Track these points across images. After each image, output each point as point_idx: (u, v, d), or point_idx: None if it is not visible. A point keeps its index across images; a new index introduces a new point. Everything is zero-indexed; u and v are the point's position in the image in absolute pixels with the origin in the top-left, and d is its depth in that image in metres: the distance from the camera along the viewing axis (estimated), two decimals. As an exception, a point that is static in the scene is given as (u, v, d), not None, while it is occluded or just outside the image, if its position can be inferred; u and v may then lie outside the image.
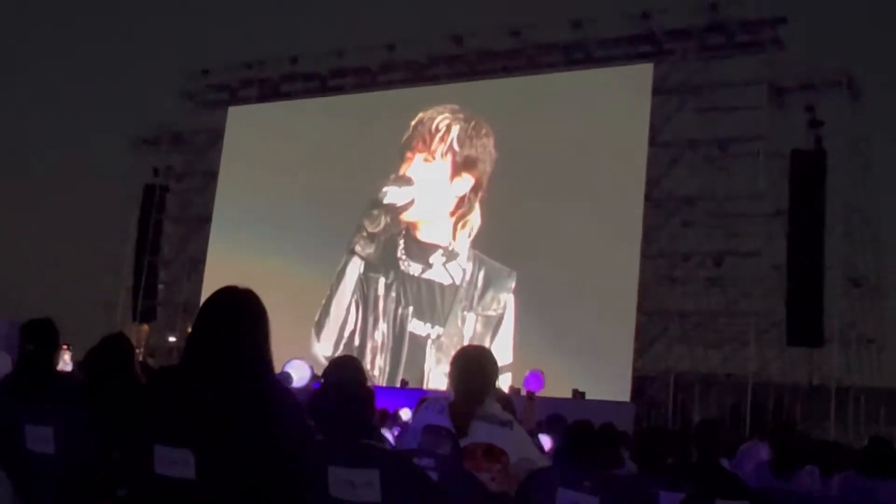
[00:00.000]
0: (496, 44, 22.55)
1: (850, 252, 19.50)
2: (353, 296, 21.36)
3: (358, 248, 21.47)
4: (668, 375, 20.08)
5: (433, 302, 20.38)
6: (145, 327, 26.71)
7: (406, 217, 21.03)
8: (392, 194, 21.04)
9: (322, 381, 3.37)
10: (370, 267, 21.34)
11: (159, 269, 27.67)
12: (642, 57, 20.85)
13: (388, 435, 6.37)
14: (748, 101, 20.08)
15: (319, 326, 21.40)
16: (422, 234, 20.89)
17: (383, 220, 21.25)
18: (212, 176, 26.02)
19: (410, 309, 20.64)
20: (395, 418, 8.27)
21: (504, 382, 13.98)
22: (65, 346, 9.46)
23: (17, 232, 36.77)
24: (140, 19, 52.99)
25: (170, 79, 27.82)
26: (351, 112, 22.95)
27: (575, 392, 16.31)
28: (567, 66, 21.68)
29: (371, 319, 21.11)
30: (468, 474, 3.19)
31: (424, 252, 20.73)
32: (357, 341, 21.00)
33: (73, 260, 33.30)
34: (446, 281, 20.39)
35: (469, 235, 20.37)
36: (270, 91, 25.85)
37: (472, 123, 20.78)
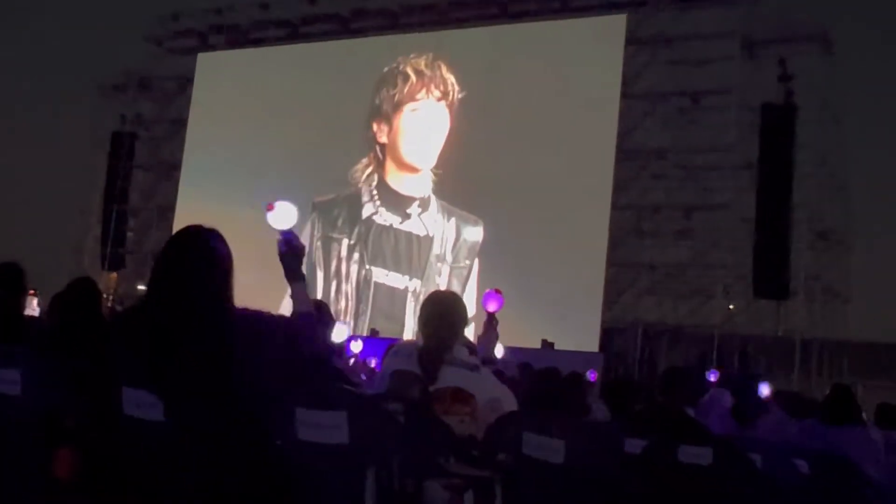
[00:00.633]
0: (470, -8, 22.35)
1: (817, 206, 19.66)
2: (314, 256, 21.19)
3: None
4: (637, 327, 20.25)
5: (410, 254, 20.37)
6: (114, 275, 26.54)
7: (416, 165, 20.81)
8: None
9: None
10: (332, 226, 21.32)
11: (128, 217, 27.44)
12: (616, 7, 20.73)
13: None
14: (720, 53, 20.06)
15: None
16: (405, 186, 20.80)
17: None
18: (181, 123, 25.71)
19: (383, 261, 20.64)
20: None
21: (469, 333, 14.02)
22: (32, 292, 9.39)
23: (-18, 178, 36.24)
24: (107, -38, 51.82)
25: (137, 24, 27.31)
26: (322, 60, 22.69)
27: (544, 342, 16.44)
28: (541, 16, 21.52)
29: (335, 280, 21.07)
30: (436, 419, 3.22)
31: (402, 203, 20.68)
32: (331, 296, 20.93)
33: (41, 208, 32.92)
34: (421, 232, 20.38)
35: (434, 176, 20.40)
36: (240, 38, 25.50)
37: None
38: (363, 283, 20.71)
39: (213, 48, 25.85)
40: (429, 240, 20.19)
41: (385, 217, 20.73)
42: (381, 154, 21.08)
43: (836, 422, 5.27)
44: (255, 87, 23.23)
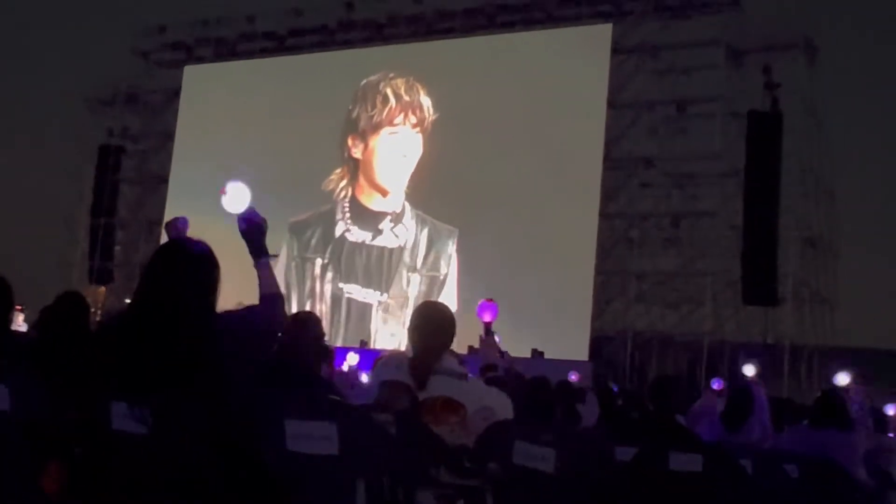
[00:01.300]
0: (455, 3, 22.39)
1: (804, 212, 19.76)
2: (289, 276, 21.34)
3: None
4: (626, 335, 20.29)
5: (381, 268, 20.47)
6: (101, 289, 26.44)
7: (385, 186, 21.00)
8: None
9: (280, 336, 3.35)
10: (306, 247, 21.43)
11: (116, 230, 27.35)
12: (601, 17, 20.82)
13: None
14: (706, 62, 20.17)
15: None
16: (376, 204, 20.93)
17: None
18: (168, 136, 25.71)
19: (356, 278, 20.72)
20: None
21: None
22: (18, 307, 9.34)
23: (-32, 193, 36.10)
24: (93, -25, 51.80)
25: (124, 37, 27.27)
26: (309, 72, 22.72)
27: (534, 351, 16.45)
28: (527, 26, 21.60)
29: (309, 299, 21.16)
30: (426, 429, 3.21)
31: (374, 219, 20.82)
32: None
33: (28, 222, 32.83)
34: (393, 244, 20.49)
35: (408, 188, 20.59)
36: (227, 50, 25.52)
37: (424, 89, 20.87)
38: (335, 301, 20.77)
39: (200, 61, 25.84)
40: (400, 250, 20.29)
41: (356, 234, 20.98)
42: (354, 169, 21.24)
43: (824, 426, 5.29)
44: (243, 100, 23.23)
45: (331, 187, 21.39)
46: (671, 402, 4.75)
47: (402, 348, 17.47)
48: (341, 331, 20.46)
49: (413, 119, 20.89)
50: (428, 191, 20.06)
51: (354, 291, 20.69)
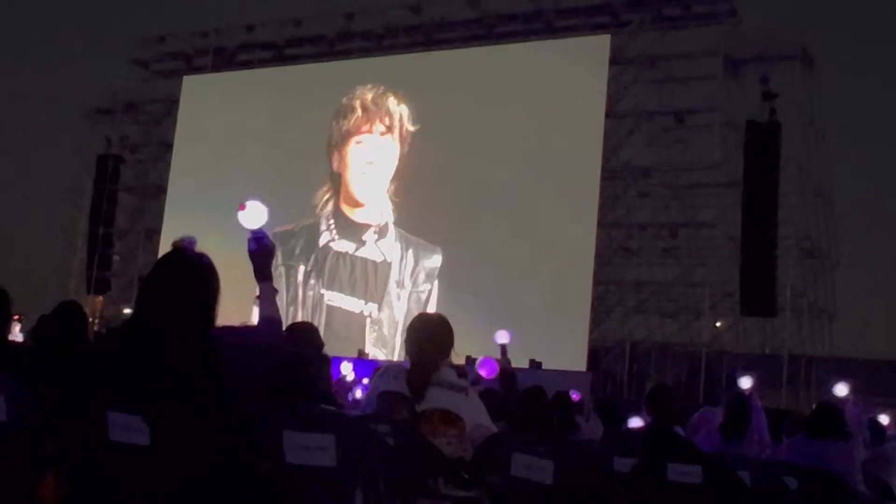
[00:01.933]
0: (454, 14, 22.44)
1: (803, 223, 19.78)
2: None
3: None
4: (624, 345, 20.30)
5: (366, 279, 20.54)
6: (100, 299, 26.42)
7: (357, 197, 21.16)
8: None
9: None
10: (289, 255, 21.52)
11: (114, 240, 27.34)
12: (600, 27, 20.87)
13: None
14: (704, 72, 20.21)
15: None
16: (358, 215, 21.08)
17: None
18: (167, 146, 25.69)
19: (339, 286, 20.82)
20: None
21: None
22: (16, 317, 9.32)
23: (-33, 202, 36.12)
24: (92, -15, 51.96)
25: (123, 47, 27.29)
26: (307, 83, 22.73)
27: (532, 362, 16.42)
28: (526, 37, 21.64)
29: (291, 306, 21.24)
30: (424, 440, 3.21)
31: (358, 230, 20.94)
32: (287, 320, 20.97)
33: (26, 231, 32.82)
34: (378, 258, 20.58)
35: (393, 203, 20.69)
36: (226, 60, 25.54)
37: (406, 101, 21.03)
38: (316, 307, 20.81)
39: (199, 71, 25.85)
40: (386, 265, 20.48)
41: (341, 245, 21.14)
42: (337, 183, 21.50)
43: (822, 436, 5.29)
44: (242, 110, 23.21)
45: (316, 201, 21.54)
46: (668, 413, 4.75)
47: (371, 359, 17.51)
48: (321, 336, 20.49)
49: (381, 127, 21.13)
50: (424, 201, 20.07)
51: (336, 299, 20.79)
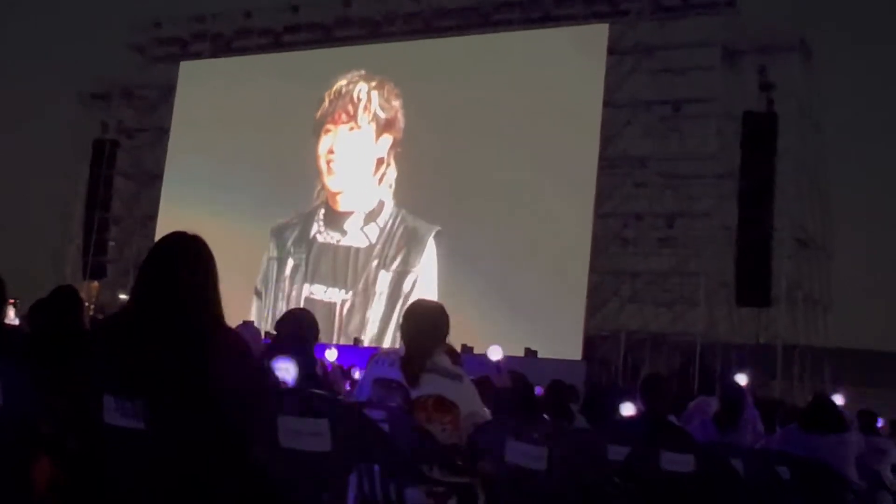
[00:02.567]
0: (452, 1, 22.39)
1: (798, 214, 19.79)
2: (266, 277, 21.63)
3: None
4: (620, 334, 20.31)
5: (346, 267, 20.58)
6: (95, 284, 26.37)
7: (330, 188, 21.29)
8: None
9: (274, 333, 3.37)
10: (282, 248, 21.66)
11: (110, 225, 27.26)
12: (598, 17, 20.82)
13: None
14: (702, 62, 20.19)
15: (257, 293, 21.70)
16: (341, 204, 21.11)
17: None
18: (163, 132, 25.62)
19: (321, 278, 20.92)
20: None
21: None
22: (11, 302, 9.30)
23: (-38, 187, 36.05)
24: (89, -30, 51.68)
25: (120, 31, 27.16)
26: (305, 69, 22.67)
27: (527, 351, 16.45)
28: (523, 25, 21.58)
29: (274, 299, 21.32)
30: (418, 426, 3.22)
31: (342, 220, 20.98)
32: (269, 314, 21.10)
33: (22, 216, 32.75)
34: (363, 244, 20.61)
35: (390, 187, 20.65)
36: (223, 46, 25.45)
37: (386, 87, 21.11)
38: (295, 300, 20.84)
39: (195, 56, 25.77)
40: (370, 248, 20.41)
41: (326, 236, 21.22)
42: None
43: (815, 429, 5.29)
44: (238, 96, 23.16)
45: (315, 191, 21.59)
46: (662, 402, 4.77)
47: (367, 346, 17.47)
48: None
49: (344, 116, 21.27)
50: (420, 189, 20.05)
51: (318, 292, 20.83)
